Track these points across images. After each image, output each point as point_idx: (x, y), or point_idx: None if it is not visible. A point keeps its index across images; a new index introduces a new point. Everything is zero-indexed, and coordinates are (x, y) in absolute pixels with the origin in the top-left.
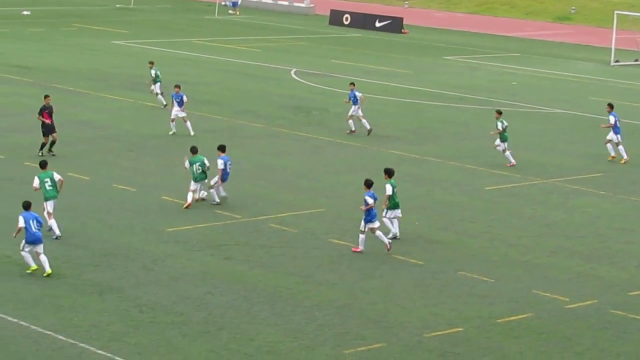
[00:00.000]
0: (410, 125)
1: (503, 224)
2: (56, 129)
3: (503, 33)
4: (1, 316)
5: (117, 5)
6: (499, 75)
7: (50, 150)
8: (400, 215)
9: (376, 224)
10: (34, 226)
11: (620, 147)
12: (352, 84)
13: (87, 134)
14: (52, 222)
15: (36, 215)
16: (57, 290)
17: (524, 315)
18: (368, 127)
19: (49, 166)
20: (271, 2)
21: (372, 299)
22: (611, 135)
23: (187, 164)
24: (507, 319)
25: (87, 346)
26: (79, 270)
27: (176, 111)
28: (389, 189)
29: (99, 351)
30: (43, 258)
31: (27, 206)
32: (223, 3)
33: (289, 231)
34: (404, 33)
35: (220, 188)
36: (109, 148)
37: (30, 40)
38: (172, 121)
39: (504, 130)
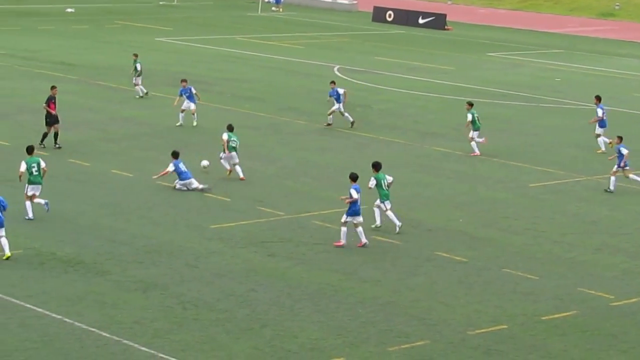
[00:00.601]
0: (453, 122)
1: (547, 221)
2: (59, 120)
3: (546, 29)
4: (46, 313)
5: (161, 2)
6: (542, 71)
7: (55, 143)
8: (390, 205)
9: (359, 219)
10: None
11: (600, 139)
12: (333, 82)
13: (130, 131)
14: (28, 204)
15: (1, 198)
16: (101, 287)
17: (568, 313)
18: (351, 119)
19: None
20: None
21: (416, 296)
22: (599, 129)
23: (23, 166)
24: (551, 316)
25: (131, 343)
26: (123, 267)
27: (187, 104)
28: (372, 182)
29: (143, 348)
30: (4, 241)
31: None
32: (266, 0)
33: (332, 228)
34: (447, 30)
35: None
36: (152, 145)
37: (74, 37)
38: (182, 112)
39: (477, 120)
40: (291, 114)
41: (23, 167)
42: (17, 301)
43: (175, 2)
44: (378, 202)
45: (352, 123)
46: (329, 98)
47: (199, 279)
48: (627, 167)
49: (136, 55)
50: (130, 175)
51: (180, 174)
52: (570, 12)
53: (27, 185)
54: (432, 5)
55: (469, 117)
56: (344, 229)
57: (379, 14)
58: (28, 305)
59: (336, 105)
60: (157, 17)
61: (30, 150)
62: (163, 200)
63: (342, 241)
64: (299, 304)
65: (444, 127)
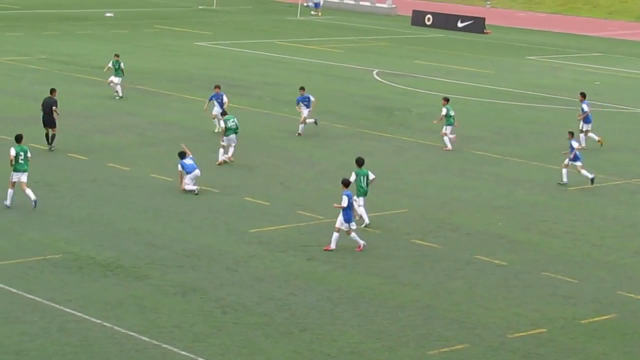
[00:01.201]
0: (492, 126)
1: (586, 224)
2: (56, 124)
3: (585, 33)
4: (85, 317)
5: (200, 7)
6: (581, 75)
7: (51, 144)
8: (363, 202)
9: (353, 226)
10: None
11: (583, 135)
12: (302, 88)
13: (170, 135)
14: (10, 192)
15: None
16: (141, 291)
17: (608, 316)
18: (313, 120)
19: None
20: (353, 2)
21: (455, 300)
22: (585, 125)
23: (12, 152)
24: (591, 319)
25: (170, 347)
26: (163, 271)
27: (217, 111)
28: (352, 177)
29: (183, 352)
30: None
31: None
32: (305, 4)
33: (371, 232)
34: (486, 33)
35: (190, 182)
36: (191, 149)
37: (113, 41)
38: (214, 118)
39: (451, 116)
40: (330, 118)
41: (13, 152)
42: (57, 305)
43: (214, 7)
44: (354, 197)
45: (315, 122)
46: (297, 105)
47: (238, 283)
48: (578, 162)
49: (117, 56)
50: (170, 179)
51: (185, 169)
52: (609, 16)
53: (12, 172)
54: (471, 9)
55: (443, 111)
56: (336, 234)
57: (418, 18)
58: (67, 310)
59: (306, 112)
60: (196, 22)
61: (18, 138)
62: (202, 205)
63: (332, 246)
64: (338, 307)
65: (482, 130)
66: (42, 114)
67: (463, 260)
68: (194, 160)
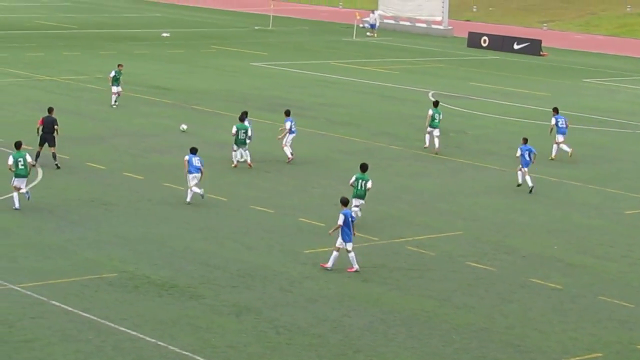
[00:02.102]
0: (548, 149)
1: None
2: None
3: None
4: (139, 336)
5: (256, 27)
6: (638, 98)
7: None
8: (362, 203)
9: (350, 247)
10: None
11: (555, 145)
12: (287, 112)
13: (225, 155)
14: (15, 195)
15: None
16: (195, 311)
17: None
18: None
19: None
20: (409, 24)
21: (510, 323)
22: (559, 137)
23: (10, 160)
24: None
25: None
26: (217, 291)
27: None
28: (352, 180)
29: None
30: None
31: None
32: (361, 25)
33: (426, 254)
34: (543, 55)
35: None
36: (246, 169)
37: (169, 61)
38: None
39: (435, 118)
40: (386, 139)
41: (11, 160)
42: (112, 324)
43: (270, 27)
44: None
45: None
46: (282, 128)
47: (292, 304)
48: (526, 168)
49: (121, 66)
50: (224, 199)
51: (190, 165)
52: None
53: (13, 177)
54: (527, 31)
55: (430, 112)
56: (335, 253)
57: (474, 40)
58: (122, 329)
59: (289, 136)
60: (252, 42)
61: (18, 145)
62: (257, 225)
63: (330, 264)
64: (392, 329)
65: (538, 153)
66: (41, 133)
67: (518, 283)
68: (201, 164)
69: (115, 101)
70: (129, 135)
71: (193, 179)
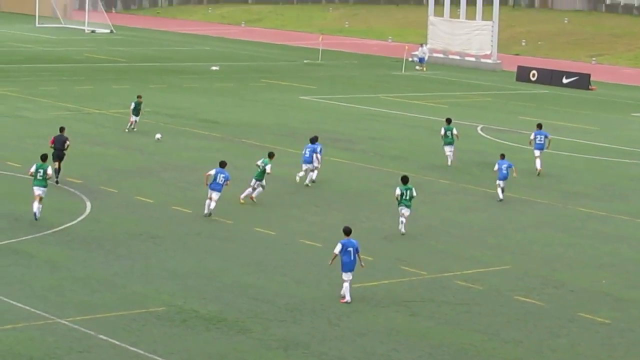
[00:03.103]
0: (597, 182)
1: None
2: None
3: None
4: None
5: (305, 61)
6: None
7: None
8: (407, 213)
9: (348, 277)
10: None
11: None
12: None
13: (274, 189)
14: (35, 204)
15: None
16: (243, 345)
17: None
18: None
19: None
20: (458, 58)
21: (558, 358)
22: (536, 152)
23: (32, 168)
24: None
25: None
26: (265, 325)
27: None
28: (397, 191)
29: None
30: None
31: None
32: (410, 59)
33: (474, 288)
34: (592, 89)
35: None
36: (295, 203)
37: (218, 95)
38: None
39: (449, 135)
40: (435, 173)
41: (33, 168)
42: (160, 358)
43: (320, 61)
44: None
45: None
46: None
47: (340, 338)
48: (501, 181)
49: (140, 97)
50: (273, 233)
51: (213, 181)
52: None
53: (33, 186)
54: (576, 65)
55: (442, 131)
56: (345, 284)
57: (522, 74)
58: None
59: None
60: (301, 76)
61: (43, 157)
62: (306, 259)
63: (347, 298)
64: None
65: (587, 187)
66: (53, 150)
67: (566, 317)
68: (226, 179)
69: (133, 128)
70: (178, 169)
71: (214, 195)
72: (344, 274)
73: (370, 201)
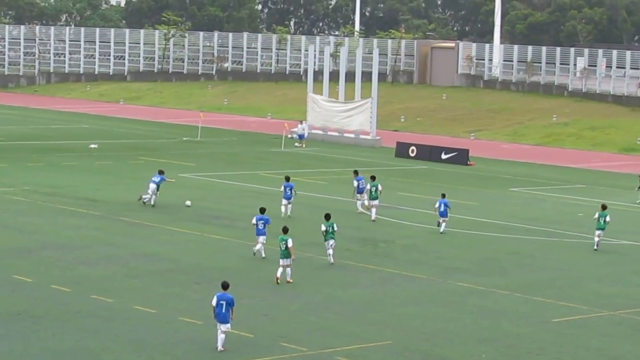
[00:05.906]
0: (477, 257)
1: (571, 356)
2: None
3: (569, 164)
4: None
5: (184, 138)
6: (565, 206)
7: None
8: (334, 244)
9: (223, 327)
10: None
11: (359, 202)
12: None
13: (153, 267)
14: None
15: None
16: None
17: None
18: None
19: None
20: (337, 134)
21: None
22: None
23: None
24: None
25: None
26: None
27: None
28: (322, 227)
29: None
30: None
31: None
32: (289, 135)
33: None
34: (470, 165)
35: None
36: (176, 281)
37: (97, 173)
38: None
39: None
40: (315, 250)
41: None
42: None
43: (199, 138)
44: None
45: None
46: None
47: None
48: (359, 194)
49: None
50: (153, 311)
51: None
52: (593, 147)
53: None
54: (455, 141)
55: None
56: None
57: (402, 150)
58: None
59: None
60: (180, 153)
61: None
62: (186, 337)
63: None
64: None
65: (466, 262)
66: None
67: None
68: (265, 225)
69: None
70: (57, 248)
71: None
72: (221, 325)
73: (250, 278)
